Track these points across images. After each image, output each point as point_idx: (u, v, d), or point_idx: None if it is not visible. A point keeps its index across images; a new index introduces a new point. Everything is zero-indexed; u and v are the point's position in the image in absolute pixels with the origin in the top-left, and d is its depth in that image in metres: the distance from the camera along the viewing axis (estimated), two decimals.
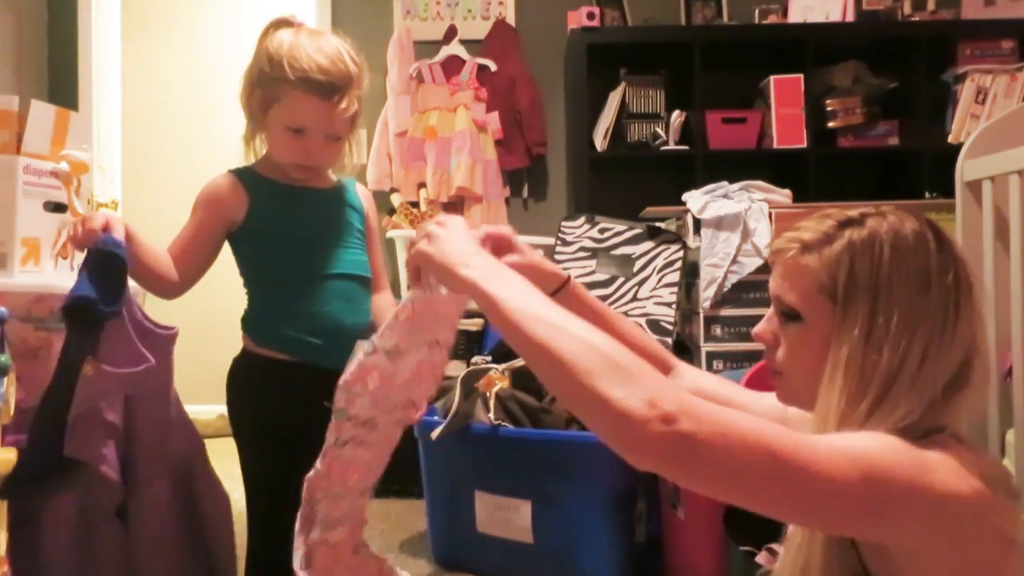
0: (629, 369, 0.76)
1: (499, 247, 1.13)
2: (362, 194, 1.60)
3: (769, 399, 1.10)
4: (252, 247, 1.46)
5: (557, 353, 0.77)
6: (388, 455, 1.19)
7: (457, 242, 0.94)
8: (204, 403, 4.40)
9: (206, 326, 4.70)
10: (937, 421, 0.87)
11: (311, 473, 1.12)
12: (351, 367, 1.09)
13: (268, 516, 1.46)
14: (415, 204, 3.60)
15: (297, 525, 1.12)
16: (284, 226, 1.46)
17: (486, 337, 2.92)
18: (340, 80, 1.39)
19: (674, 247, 2.74)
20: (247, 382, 1.48)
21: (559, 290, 1.17)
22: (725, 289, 2.77)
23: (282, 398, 1.43)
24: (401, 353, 1.10)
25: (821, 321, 0.92)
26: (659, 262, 2.73)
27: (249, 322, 1.49)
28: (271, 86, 1.40)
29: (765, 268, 2.64)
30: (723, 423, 0.75)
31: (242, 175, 1.47)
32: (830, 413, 0.89)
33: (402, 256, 3.29)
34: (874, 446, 0.81)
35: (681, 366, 1.22)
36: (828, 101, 3.40)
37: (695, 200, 2.86)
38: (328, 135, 1.42)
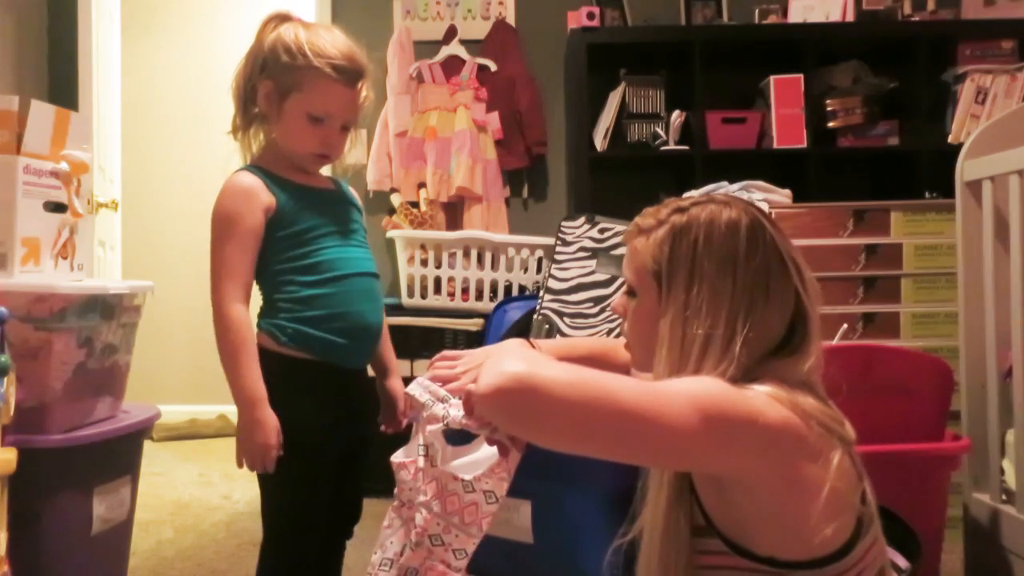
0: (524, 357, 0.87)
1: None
2: (354, 193, 1.63)
3: None
4: (277, 245, 1.44)
5: None
6: None
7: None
8: (204, 403, 4.42)
9: (206, 327, 4.71)
10: (759, 381, 0.95)
11: None
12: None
13: (285, 514, 1.46)
14: (415, 204, 3.60)
15: None
16: (309, 225, 1.45)
17: (486, 337, 2.92)
18: (361, 68, 1.45)
19: None
20: (268, 382, 1.45)
21: None
22: None
23: (307, 397, 1.43)
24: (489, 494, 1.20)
25: (649, 298, 1.04)
26: None
27: (269, 321, 1.46)
28: (290, 74, 1.41)
29: None
30: (566, 368, 0.85)
31: (258, 173, 1.45)
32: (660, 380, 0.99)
33: (402, 256, 3.29)
34: (705, 385, 0.91)
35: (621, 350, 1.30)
36: (828, 101, 3.40)
37: None
38: (345, 124, 1.46)
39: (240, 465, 1.41)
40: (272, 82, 1.44)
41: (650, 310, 1.04)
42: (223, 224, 1.41)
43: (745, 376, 0.95)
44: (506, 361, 0.85)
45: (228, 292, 1.39)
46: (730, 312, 0.97)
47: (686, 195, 1.11)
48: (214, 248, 1.41)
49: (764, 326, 0.98)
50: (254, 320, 1.47)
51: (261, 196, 1.41)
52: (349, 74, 1.42)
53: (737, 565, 0.95)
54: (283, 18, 1.47)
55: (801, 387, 0.96)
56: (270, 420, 1.38)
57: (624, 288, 1.11)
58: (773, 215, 2.83)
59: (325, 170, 1.59)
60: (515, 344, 1.00)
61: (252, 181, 1.43)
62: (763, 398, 0.92)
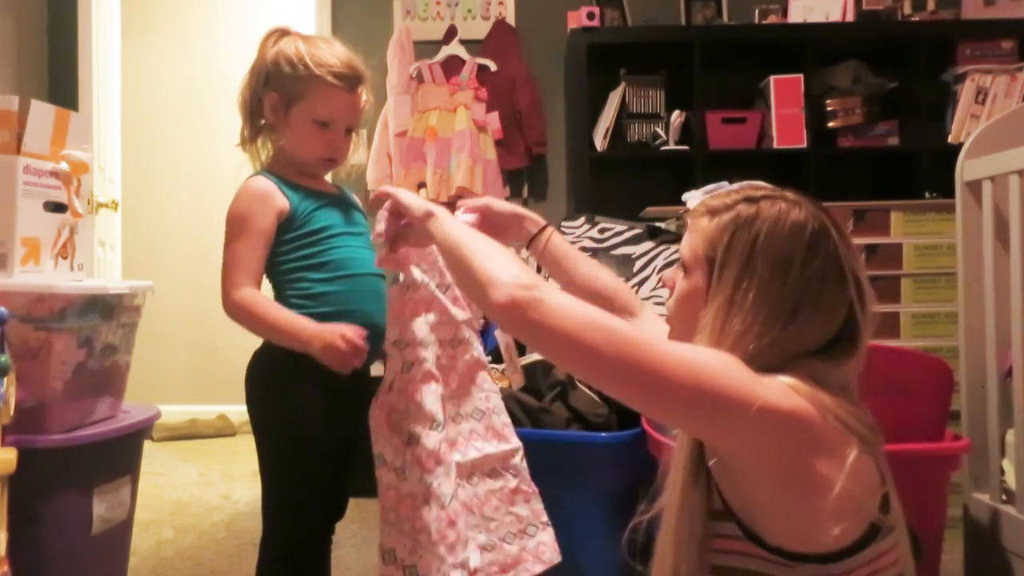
0: (510, 259, 0.97)
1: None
2: (356, 198, 1.68)
3: None
4: (290, 244, 1.49)
5: (462, 247, 1.03)
6: (464, 383, 1.37)
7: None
8: (204, 403, 4.42)
9: (206, 327, 4.71)
10: (788, 373, 0.94)
11: (378, 403, 1.27)
12: (392, 305, 1.28)
13: (286, 510, 1.48)
14: None
15: (389, 450, 1.25)
16: (321, 225, 1.50)
17: (486, 337, 2.92)
18: (359, 74, 1.52)
19: (674, 247, 2.74)
20: (275, 378, 1.49)
21: (533, 239, 1.35)
22: None
23: (314, 393, 1.45)
24: (417, 287, 1.30)
25: (699, 279, 1.03)
26: (659, 262, 2.73)
27: None
28: (294, 85, 1.48)
29: None
30: (573, 300, 0.91)
31: (272, 178, 1.50)
32: None
33: None
34: (713, 358, 0.92)
35: (646, 311, 1.33)
36: (828, 101, 3.40)
37: (695, 200, 2.86)
38: (348, 127, 1.53)
39: (341, 368, 1.40)
40: (277, 94, 1.50)
41: (696, 291, 1.03)
42: (235, 224, 1.46)
43: (772, 370, 0.94)
44: (512, 269, 0.93)
45: (234, 281, 1.44)
46: (771, 314, 0.96)
47: (691, 191, 1.11)
48: (225, 247, 1.47)
49: (803, 334, 0.97)
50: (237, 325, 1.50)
51: (275, 199, 1.47)
52: (349, 80, 1.49)
53: (748, 551, 0.95)
54: (283, 33, 1.54)
55: (837, 390, 0.95)
56: (324, 329, 1.40)
57: (679, 261, 1.10)
58: None
59: (327, 175, 1.63)
60: (505, 250, 1.03)
61: (267, 185, 1.48)
62: (779, 386, 0.91)
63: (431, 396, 1.26)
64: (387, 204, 1.23)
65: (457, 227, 1.10)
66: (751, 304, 0.96)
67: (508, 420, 1.42)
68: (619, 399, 0.93)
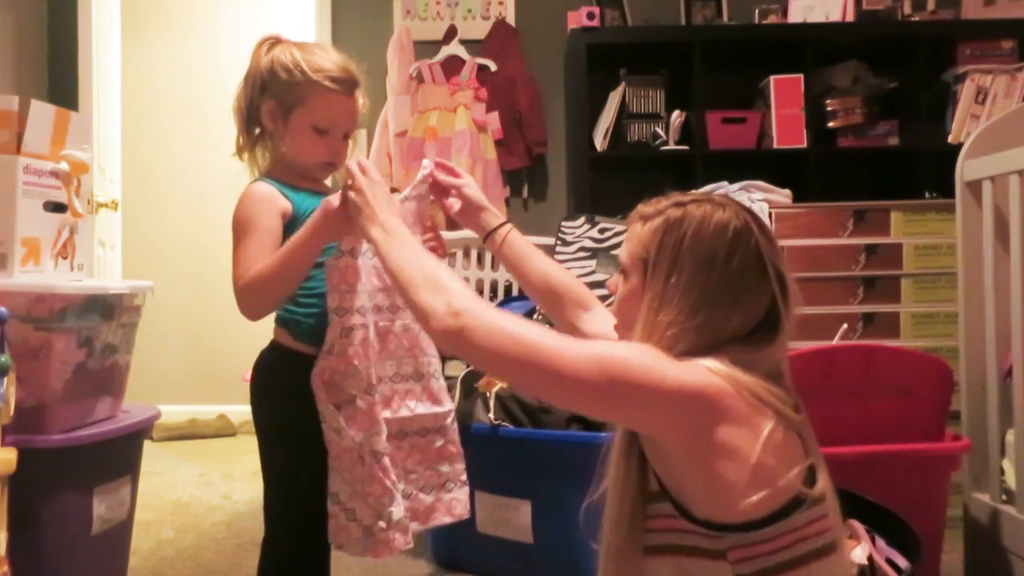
0: (445, 284, 1.08)
1: (446, 176, 1.47)
2: None
3: None
4: None
5: (404, 278, 1.14)
6: (405, 346, 1.47)
7: (373, 200, 1.30)
8: (204, 403, 4.42)
9: (206, 327, 4.71)
10: (711, 356, 1.03)
11: (319, 366, 1.37)
12: (330, 276, 1.37)
13: (288, 512, 1.48)
14: None
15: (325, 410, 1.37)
16: None
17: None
18: (355, 78, 1.52)
19: None
20: (279, 378, 1.48)
21: (490, 234, 1.45)
22: None
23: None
24: (354, 254, 1.38)
25: (636, 280, 1.11)
26: None
27: (288, 314, 1.49)
28: (292, 91, 1.48)
29: None
30: (497, 321, 1.03)
31: (272, 182, 1.50)
32: None
33: None
34: (623, 349, 1.03)
35: (598, 306, 1.41)
36: (828, 101, 3.40)
37: None
38: (346, 132, 1.53)
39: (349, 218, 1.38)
40: (275, 101, 1.50)
41: (634, 292, 1.11)
42: (241, 226, 1.45)
43: (696, 354, 1.02)
44: (444, 298, 1.06)
45: (241, 274, 1.40)
46: (696, 305, 1.04)
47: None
48: (234, 249, 1.44)
49: (725, 322, 1.04)
50: (272, 318, 1.50)
51: (278, 201, 1.47)
52: (346, 84, 1.49)
53: (681, 527, 1.02)
54: (275, 40, 1.54)
55: (764, 375, 1.02)
56: (315, 214, 1.39)
57: (619, 268, 1.17)
58: (773, 215, 2.83)
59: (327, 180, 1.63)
60: (438, 269, 1.14)
61: (268, 188, 1.48)
62: (695, 367, 0.99)
63: (366, 362, 1.37)
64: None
65: (396, 255, 1.18)
66: (678, 297, 1.04)
67: (444, 385, 1.53)
68: (548, 402, 1.00)
